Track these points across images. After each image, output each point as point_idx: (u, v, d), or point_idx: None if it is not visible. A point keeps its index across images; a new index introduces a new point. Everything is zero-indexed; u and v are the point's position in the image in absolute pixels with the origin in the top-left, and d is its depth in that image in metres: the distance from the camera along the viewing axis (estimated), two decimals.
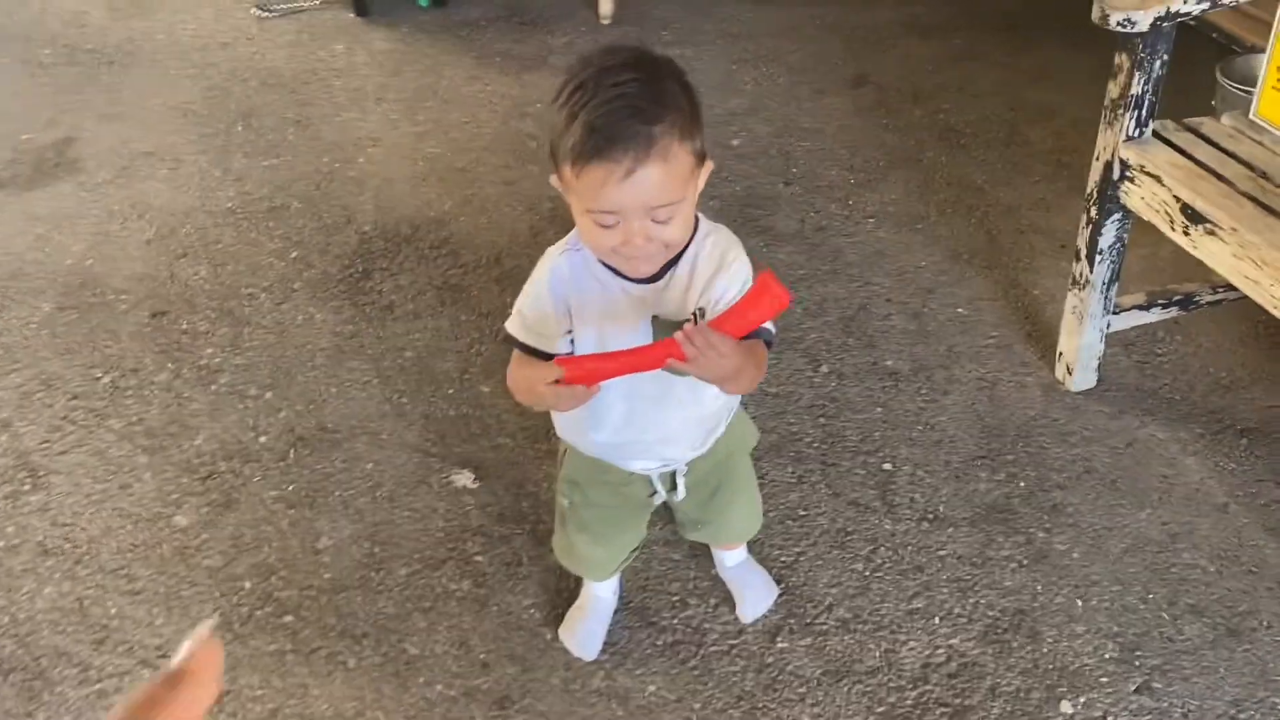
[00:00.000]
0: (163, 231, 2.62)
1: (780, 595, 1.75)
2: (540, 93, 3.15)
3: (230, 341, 2.29)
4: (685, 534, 1.68)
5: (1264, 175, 1.76)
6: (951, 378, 2.15)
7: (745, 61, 3.28)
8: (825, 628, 1.71)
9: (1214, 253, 1.71)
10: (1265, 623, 1.70)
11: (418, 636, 1.72)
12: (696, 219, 1.26)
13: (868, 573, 1.79)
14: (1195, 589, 1.76)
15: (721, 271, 1.24)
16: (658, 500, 1.49)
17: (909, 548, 1.83)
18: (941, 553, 1.82)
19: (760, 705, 1.61)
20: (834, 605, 1.74)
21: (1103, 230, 1.92)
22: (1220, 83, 2.57)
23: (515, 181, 2.77)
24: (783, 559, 1.81)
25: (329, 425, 2.09)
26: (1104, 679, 1.63)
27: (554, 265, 1.28)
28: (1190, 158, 1.79)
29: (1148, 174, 1.79)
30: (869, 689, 1.62)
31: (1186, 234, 1.74)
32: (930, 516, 1.88)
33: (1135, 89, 1.77)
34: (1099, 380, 2.11)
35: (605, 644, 1.69)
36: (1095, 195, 1.91)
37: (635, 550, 1.62)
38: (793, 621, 1.72)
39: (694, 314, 1.22)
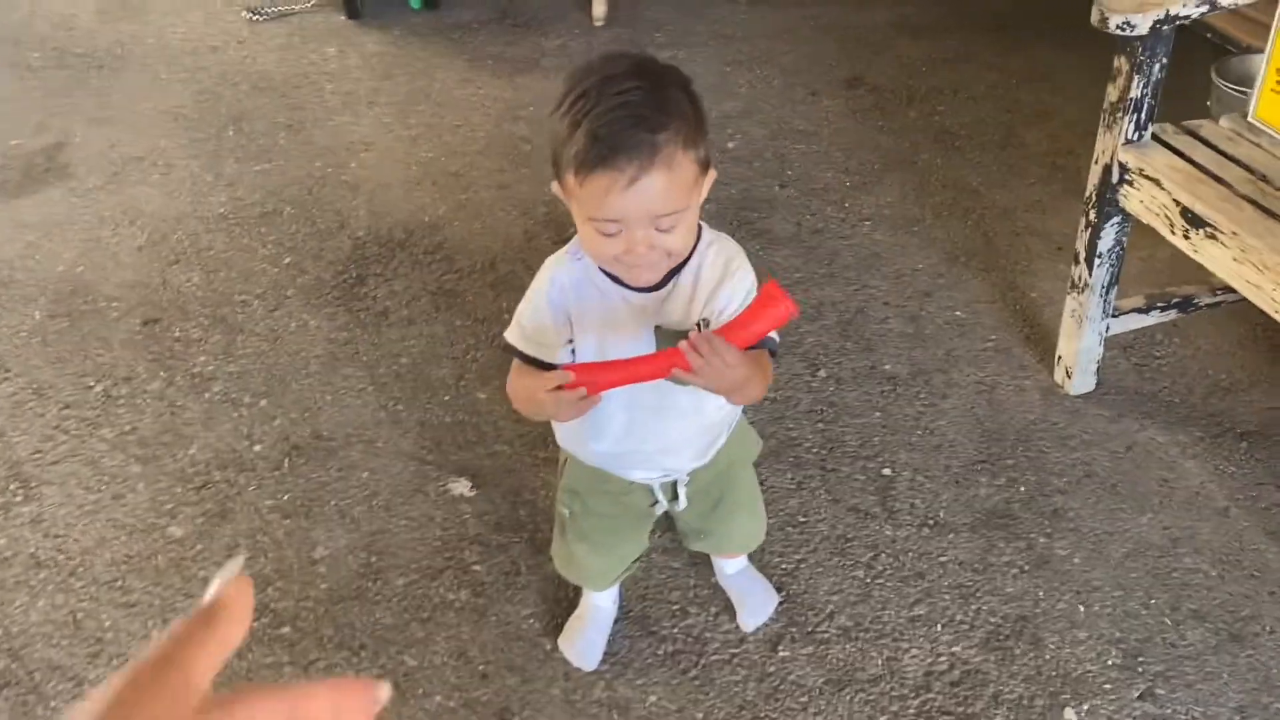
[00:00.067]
0: (154, 238, 2.60)
1: (781, 603, 1.74)
2: (533, 95, 3.13)
3: (223, 349, 2.27)
4: (687, 544, 1.67)
5: (1263, 178, 1.75)
6: (950, 382, 2.14)
7: (739, 63, 3.27)
8: (827, 636, 1.70)
9: (1214, 257, 1.70)
10: (1268, 628, 1.70)
11: (416, 648, 1.70)
12: (699, 228, 1.25)
13: (869, 579, 1.78)
14: (1197, 594, 1.75)
15: (725, 281, 1.23)
16: (659, 510, 1.48)
17: (910, 554, 1.82)
18: (943, 559, 1.81)
19: (762, 715, 1.60)
20: (835, 613, 1.73)
21: (1102, 233, 1.91)
22: (1216, 83, 2.57)
23: (509, 185, 2.76)
24: (783, 566, 1.80)
25: (324, 433, 2.07)
26: (1107, 685, 1.62)
27: (554, 274, 1.27)
28: (1189, 161, 1.79)
29: (1147, 177, 1.78)
30: (871, 698, 1.61)
31: (1187, 238, 1.74)
32: (931, 522, 1.87)
33: (1134, 92, 1.77)
34: (1098, 383, 2.11)
35: (605, 654, 1.67)
36: (1094, 198, 1.90)
37: (636, 561, 1.61)
38: (794, 630, 1.71)
39: (698, 324, 1.21)
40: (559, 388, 1.17)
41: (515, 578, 1.80)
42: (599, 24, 3.49)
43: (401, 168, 2.84)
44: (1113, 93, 1.80)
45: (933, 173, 2.76)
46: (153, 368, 2.23)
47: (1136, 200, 1.82)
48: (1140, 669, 1.64)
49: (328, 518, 1.91)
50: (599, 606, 1.68)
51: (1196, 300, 2.07)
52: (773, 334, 1.25)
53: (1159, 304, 2.06)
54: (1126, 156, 1.81)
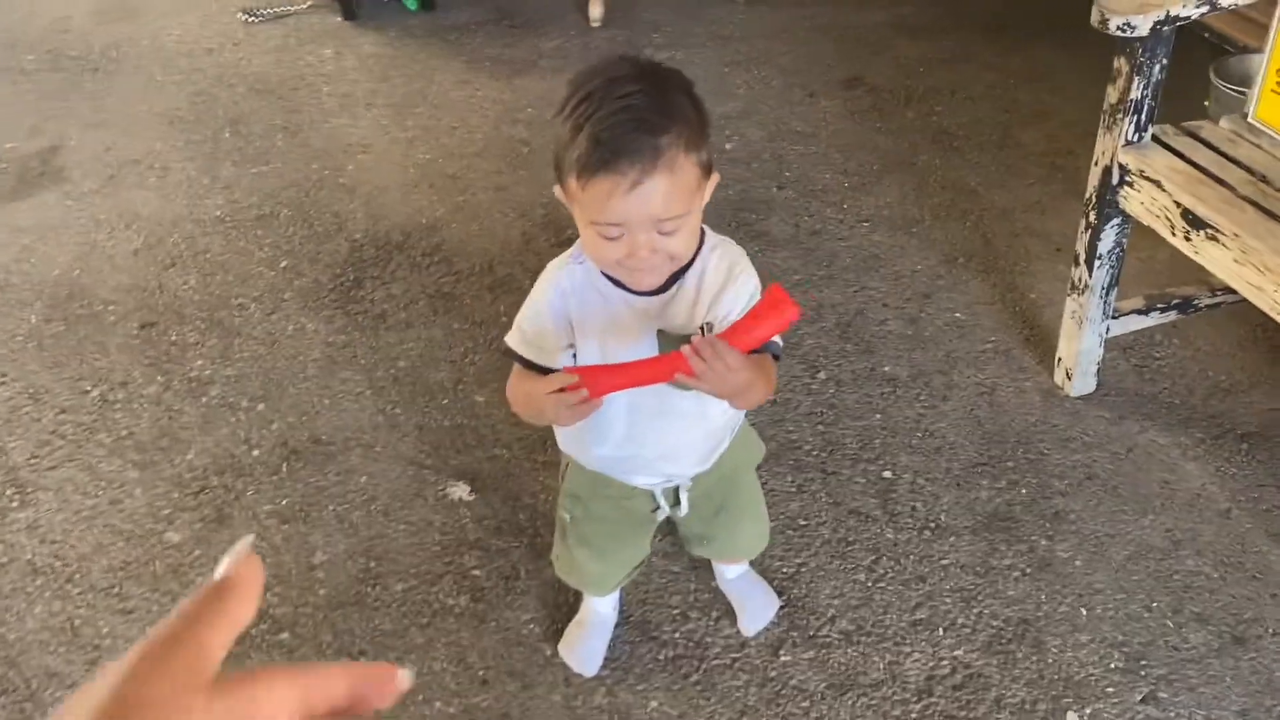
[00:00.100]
0: (150, 241, 2.59)
1: (782, 607, 1.73)
2: (531, 97, 3.13)
3: (220, 353, 2.26)
4: (690, 549, 1.66)
5: (1264, 179, 1.75)
6: (950, 383, 2.14)
7: (737, 64, 3.26)
8: (828, 640, 1.69)
9: (1216, 258, 1.70)
10: (1270, 630, 1.69)
11: (415, 653, 1.69)
12: (702, 231, 1.24)
13: (870, 583, 1.77)
14: (1199, 596, 1.74)
15: (729, 285, 1.22)
16: (660, 516, 1.47)
17: (911, 557, 1.81)
18: (944, 562, 1.80)
19: None
20: (836, 617, 1.73)
21: (1102, 235, 1.91)
22: (1214, 83, 2.57)
23: (507, 187, 2.75)
24: (784, 570, 1.79)
25: (322, 437, 2.06)
26: (1110, 689, 1.62)
27: (555, 279, 1.26)
28: (1190, 162, 1.78)
29: (1147, 179, 1.78)
30: (874, 702, 1.61)
31: (1188, 239, 1.73)
32: (932, 525, 1.86)
33: (1135, 93, 1.76)
34: (1098, 385, 2.10)
35: (606, 659, 1.67)
36: (1094, 200, 1.90)
37: (637, 567, 1.60)
38: (795, 634, 1.70)
39: (701, 328, 1.20)
40: (560, 390, 1.16)
41: (515, 582, 1.80)
42: (596, 25, 3.48)
43: (399, 170, 2.83)
44: (1113, 94, 1.80)
45: (931, 173, 2.76)
46: (149, 372, 2.22)
47: (1137, 202, 1.82)
48: (1143, 672, 1.64)
49: (326, 523, 1.90)
50: (599, 612, 1.67)
51: (1196, 301, 2.06)
52: (776, 338, 1.24)
53: (1159, 305, 2.06)
54: (1127, 158, 1.81)
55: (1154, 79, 1.76)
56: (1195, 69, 2.61)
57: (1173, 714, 1.59)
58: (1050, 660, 1.66)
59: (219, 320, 2.35)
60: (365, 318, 2.34)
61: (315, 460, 2.02)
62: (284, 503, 1.94)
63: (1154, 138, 1.83)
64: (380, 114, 3.08)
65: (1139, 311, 2.05)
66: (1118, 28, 1.67)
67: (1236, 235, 1.64)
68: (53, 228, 2.65)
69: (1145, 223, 1.82)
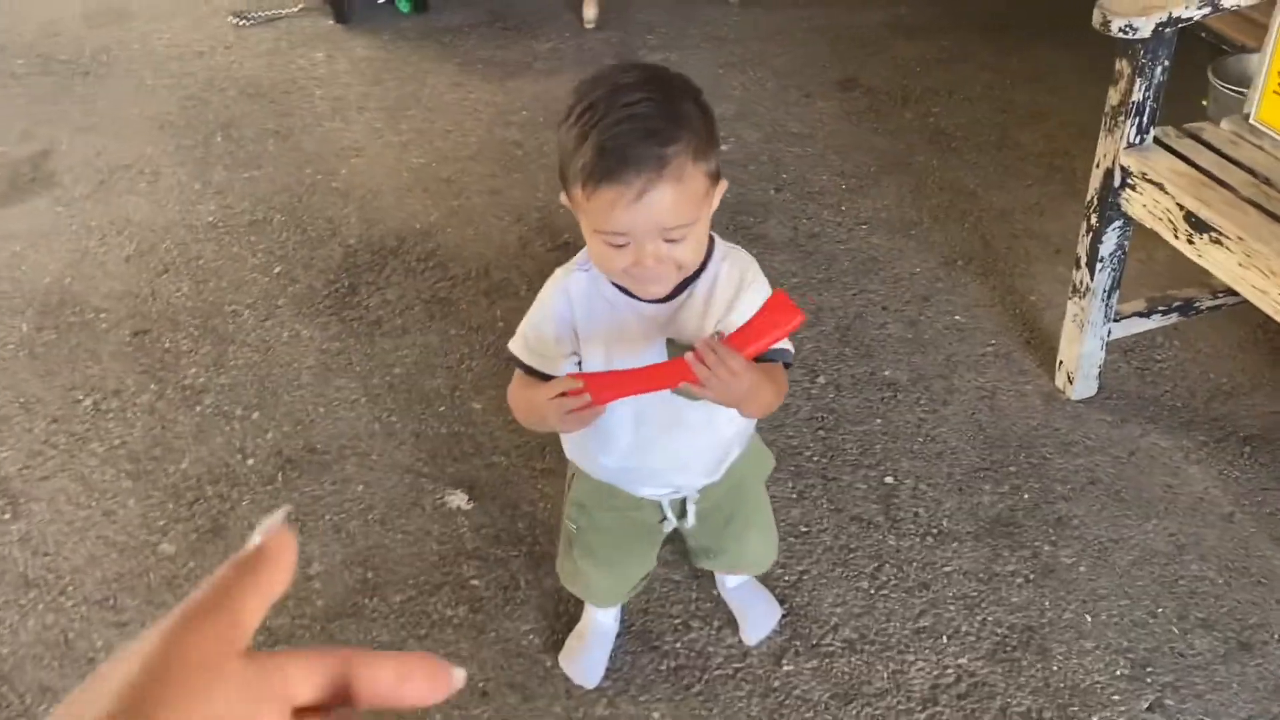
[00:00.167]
0: (142, 247, 2.57)
1: (784, 616, 1.72)
2: (525, 99, 3.11)
3: (214, 360, 2.24)
4: (697, 562, 1.64)
5: (1267, 181, 1.73)
6: (951, 387, 2.12)
7: (732, 66, 3.25)
8: (831, 649, 1.68)
9: (1219, 261, 1.68)
10: (1276, 635, 1.68)
11: None
12: (712, 239, 1.23)
13: (873, 591, 1.76)
14: (1204, 602, 1.73)
15: (741, 294, 1.21)
16: (667, 528, 1.45)
17: (914, 564, 1.80)
18: (947, 569, 1.79)
19: None
20: (839, 625, 1.71)
21: (1103, 238, 1.89)
22: (1213, 84, 2.55)
23: (502, 191, 2.73)
24: (786, 578, 1.78)
25: (317, 446, 2.04)
26: (1116, 697, 1.61)
27: (561, 286, 1.25)
28: (1192, 164, 1.77)
29: (1150, 181, 1.77)
30: (878, 712, 1.59)
31: (1191, 242, 1.72)
32: (934, 531, 1.85)
33: (1136, 95, 1.75)
34: (1099, 388, 2.09)
35: (607, 670, 1.65)
36: (1095, 203, 1.89)
37: (643, 579, 1.58)
38: (798, 643, 1.68)
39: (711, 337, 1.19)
40: (562, 395, 1.14)
41: (514, 592, 1.78)
42: (590, 26, 3.46)
43: (392, 174, 2.81)
44: (1114, 96, 1.78)
45: (929, 175, 2.74)
46: (143, 380, 2.20)
47: (1139, 205, 1.80)
48: (1149, 679, 1.63)
49: (322, 533, 1.88)
50: (601, 623, 1.65)
51: (1198, 303, 2.05)
52: (788, 346, 1.23)
53: (1160, 307, 2.04)
54: (1128, 160, 1.79)
55: (1156, 81, 1.75)
56: (1192, 69, 2.60)
57: None
58: (1055, 668, 1.64)
59: (212, 327, 2.32)
60: (360, 324, 2.32)
61: (311, 469, 2.00)
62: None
63: (1156, 140, 1.82)
64: (373, 117, 3.05)
65: (1140, 314, 2.04)
66: (1120, 29, 1.66)
67: (1240, 238, 1.63)
68: (44, 234, 2.62)
69: (1148, 226, 1.80)
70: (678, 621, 1.72)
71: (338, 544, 1.86)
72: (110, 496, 1.96)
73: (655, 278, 1.15)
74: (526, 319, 1.28)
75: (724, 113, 3.00)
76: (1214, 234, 1.67)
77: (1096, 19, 1.68)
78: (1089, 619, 1.71)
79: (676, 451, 1.32)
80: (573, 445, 1.40)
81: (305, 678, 0.40)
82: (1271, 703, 1.59)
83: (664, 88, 1.11)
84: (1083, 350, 2.02)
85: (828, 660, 1.66)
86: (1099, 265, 1.92)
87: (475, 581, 1.80)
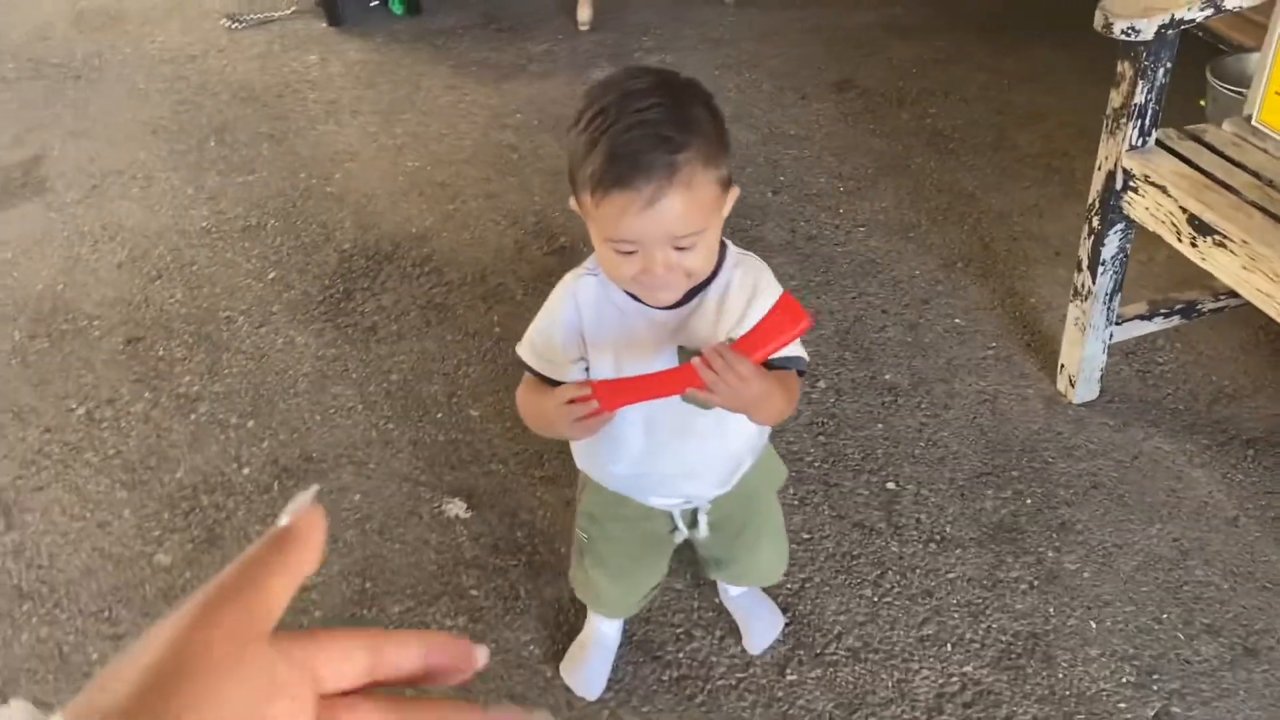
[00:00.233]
0: (135, 253, 2.54)
1: (787, 625, 1.70)
2: (520, 102, 3.09)
3: (208, 368, 2.22)
4: (706, 572, 1.63)
5: (1270, 184, 1.72)
6: (952, 391, 2.11)
7: (728, 67, 3.23)
8: (835, 658, 1.66)
9: (1223, 265, 1.67)
10: None
11: None
12: (724, 245, 1.21)
13: (876, 598, 1.74)
14: (1210, 607, 1.72)
15: (755, 301, 1.19)
16: (679, 538, 1.44)
17: (917, 571, 1.78)
18: (950, 575, 1.77)
19: None
20: (843, 634, 1.69)
21: (1105, 241, 1.88)
22: (1211, 84, 2.54)
23: (498, 195, 2.71)
24: (788, 586, 1.76)
25: (313, 454, 2.02)
26: (1122, 704, 1.59)
27: (569, 291, 1.23)
28: (1195, 167, 1.75)
29: (1152, 184, 1.75)
30: None
31: (1194, 245, 1.70)
32: (937, 538, 1.83)
33: (1139, 98, 1.73)
34: (1101, 391, 2.07)
35: (608, 680, 1.63)
36: (1097, 205, 1.87)
37: (654, 588, 1.56)
38: (801, 652, 1.67)
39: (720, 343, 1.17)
40: (570, 401, 1.13)
41: (514, 602, 1.76)
42: (584, 28, 3.44)
43: (387, 178, 2.79)
44: (1116, 98, 1.77)
45: (926, 176, 2.73)
46: (137, 388, 2.18)
47: (1141, 208, 1.79)
48: (1155, 686, 1.61)
49: None
50: (604, 634, 1.63)
51: (1200, 305, 2.04)
52: (801, 354, 1.22)
53: (1162, 310, 2.03)
54: (1131, 163, 1.78)
55: (1158, 83, 1.74)
56: (1190, 68, 2.58)
57: None
58: (1061, 675, 1.63)
59: (207, 334, 2.30)
60: (356, 330, 2.30)
61: (307, 478, 1.97)
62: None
63: (1158, 142, 1.81)
64: (367, 121, 3.03)
65: (1142, 317, 2.02)
66: (1122, 31, 1.64)
67: (1245, 242, 1.62)
68: (35, 240, 2.60)
69: (1150, 229, 1.79)
70: (680, 631, 1.71)
71: (335, 554, 1.84)
72: (105, 507, 1.94)
73: (664, 285, 1.13)
74: (534, 324, 1.26)
75: None
76: (1218, 237, 1.66)
77: (1098, 21, 1.66)
78: (1094, 625, 1.70)
79: (686, 459, 1.30)
80: (583, 454, 1.38)
81: (334, 662, 0.39)
82: (1278, 709, 1.58)
83: (675, 93, 1.09)
84: (1084, 354, 2.00)
85: (832, 669, 1.64)
86: (1101, 269, 1.91)
87: (474, 591, 1.78)
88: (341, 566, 1.82)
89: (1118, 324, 2.00)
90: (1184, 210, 1.70)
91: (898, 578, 1.77)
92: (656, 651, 1.68)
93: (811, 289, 2.37)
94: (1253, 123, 1.80)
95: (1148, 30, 1.64)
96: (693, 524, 1.40)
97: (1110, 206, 1.84)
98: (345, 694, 0.40)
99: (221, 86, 3.22)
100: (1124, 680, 1.62)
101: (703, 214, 1.09)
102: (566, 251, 2.50)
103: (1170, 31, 1.66)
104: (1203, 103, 2.63)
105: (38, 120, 3.08)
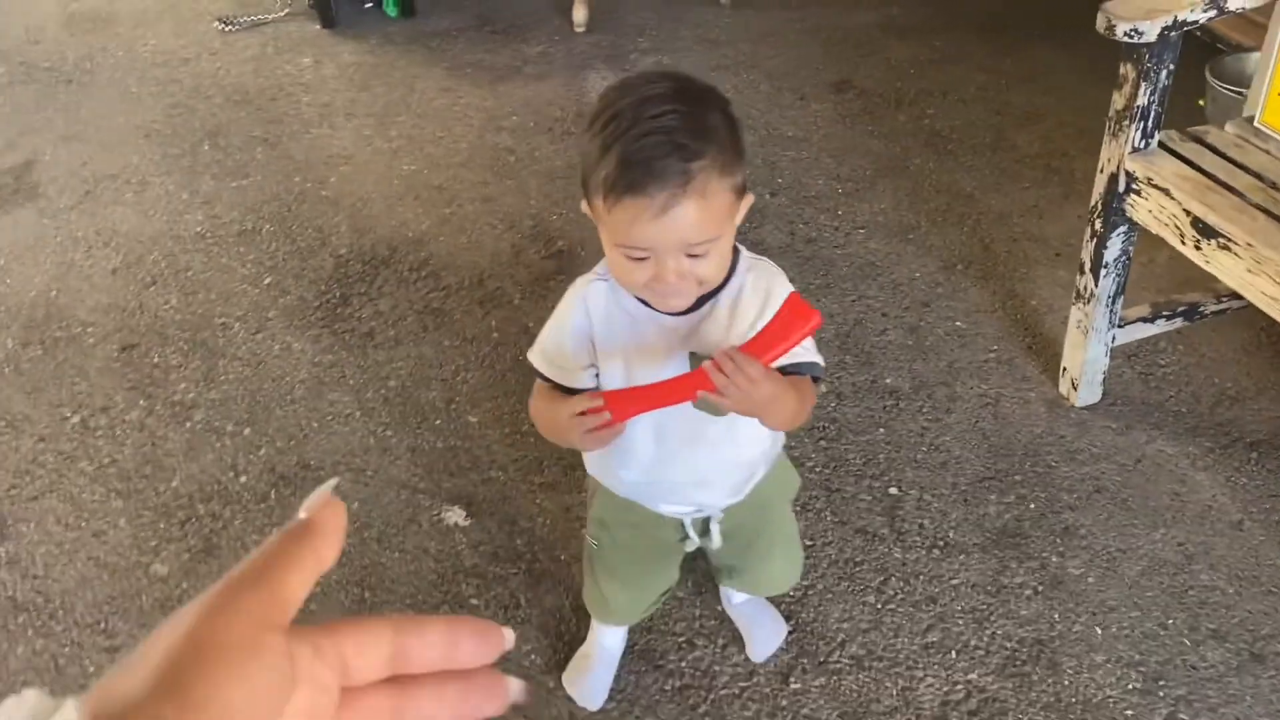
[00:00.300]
0: (129, 259, 2.52)
1: (790, 632, 1.69)
2: (516, 104, 3.07)
3: (204, 375, 2.20)
4: (720, 581, 1.62)
5: (1274, 185, 1.71)
6: (953, 395, 2.10)
7: (725, 68, 3.22)
8: (839, 666, 1.65)
9: (1227, 268, 1.66)
10: None
11: None
12: (737, 250, 1.20)
13: (879, 605, 1.73)
14: (1215, 612, 1.71)
15: (768, 307, 1.17)
16: (689, 546, 1.42)
17: (920, 577, 1.77)
18: (954, 581, 1.76)
19: None
20: (846, 641, 1.68)
21: (1107, 244, 1.87)
22: (1211, 84, 2.53)
23: (494, 198, 2.69)
24: (791, 593, 1.74)
25: (311, 462, 2.01)
26: (1129, 711, 1.58)
27: (579, 296, 1.22)
28: (1198, 168, 1.74)
29: (1155, 187, 1.74)
30: None
31: (1198, 248, 1.69)
32: (941, 543, 1.82)
33: (1141, 100, 1.72)
34: (1103, 394, 2.06)
35: (611, 690, 1.61)
36: (1100, 208, 1.86)
37: (664, 594, 1.55)
38: (805, 660, 1.65)
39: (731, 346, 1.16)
40: (582, 413, 1.12)
41: (515, 611, 1.74)
42: (580, 30, 3.43)
43: (383, 181, 2.77)
44: (1118, 100, 1.76)
45: (925, 178, 2.72)
46: (131, 396, 2.16)
47: (1145, 210, 1.78)
48: (1161, 693, 1.60)
49: None
50: (606, 645, 1.62)
51: (1202, 307, 2.03)
52: (817, 359, 1.20)
53: (1164, 312, 2.02)
54: (1134, 165, 1.77)
55: (1160, 85, 1.73)
56: (1189, 68, 2.57)
57: None
58: (1066, 682, 1.62)
59: (202, 341, 2.28)
60: (353, 336, 2.29)
61: (304, 486, 1.96)
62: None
63: (1160, 144, 1.80)
64: (362, 124, 3.02)
65: (1144, 319, 2.01)
66: (1125, 33, 1.63)
67: (1249, 244, 1.61)
68: (28, 247, 2.58)
69: (1154, 231, 1.78)
70: (682, 639, 1.69)
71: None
72: (100, 516, 1.92)
73: (675, 292, 1.12)
74: (545, 329, 1.25)
75: None
76: (1222, 240, 1.65)
77: (1101, 23, 1.65)
78: (1099, 631, 1.68)
79: (697, 466, 1.29)
80: (594, 460, 1.37)
81: (360, 652, 0.39)
82: None
83: (692, 100, 1.08)
84: (1087, 357, 1.99)
85: (835, 678, 1.63)
86: (1103, 271, 1.90)
87: (474, 600, 1.76)
88: (340, 575, 1.80)
89: (1120, 327, 1.99)
90: (1187, 213, 1.69)
91: (901, 584, 1.76)
92: (659, 661, 1.66)
93: (811, 292, 2.36)
94: (1255, 124, 1.79)
95: (1150, 32, 1.63)
96: (705, 532, 1.39)
97: (1113, 209, 1.83)
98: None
99: (215, 90, 3.20)
100: (1130, 687, 1.61)
101: (716, 222, 1.08)
102: (564, 255, 2.48)
103: (1173, 33, 1.65)
104: (1202, 102, 2.62)
105: (29, 125, 3.06)
